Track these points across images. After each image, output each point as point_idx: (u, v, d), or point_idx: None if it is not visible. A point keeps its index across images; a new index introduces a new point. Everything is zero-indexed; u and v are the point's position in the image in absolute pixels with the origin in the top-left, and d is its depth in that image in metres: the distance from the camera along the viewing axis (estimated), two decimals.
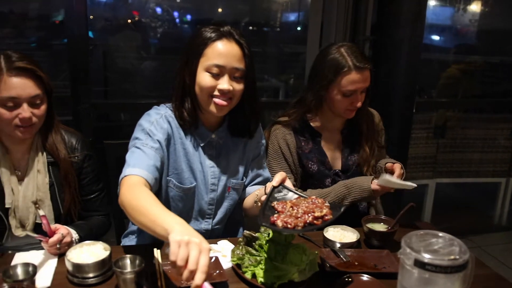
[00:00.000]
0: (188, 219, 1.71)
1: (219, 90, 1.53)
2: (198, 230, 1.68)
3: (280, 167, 1.95)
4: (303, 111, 1.97)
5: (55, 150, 1.65)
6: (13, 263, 1.41)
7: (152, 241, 1.68)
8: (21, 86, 1.49)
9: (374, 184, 1.79)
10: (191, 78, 1.57)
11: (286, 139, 1.94)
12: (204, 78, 1.53)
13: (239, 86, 1.56)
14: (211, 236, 1.75)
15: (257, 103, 1.69)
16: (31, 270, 1.28)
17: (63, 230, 1.49)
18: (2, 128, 1.56)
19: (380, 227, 1.69)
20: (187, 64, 1.57)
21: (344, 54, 1.83)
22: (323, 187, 1.98)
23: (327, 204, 1.35)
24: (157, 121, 1.58)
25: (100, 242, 1.45)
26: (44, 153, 1.66)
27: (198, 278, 1.02)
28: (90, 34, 3.42)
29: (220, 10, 4.61)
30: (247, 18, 4.59)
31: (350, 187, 1.84)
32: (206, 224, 1.74)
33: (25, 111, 1.50)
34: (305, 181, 2.01)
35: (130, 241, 1.82)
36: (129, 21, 4.30)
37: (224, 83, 1.52)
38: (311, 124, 2.01)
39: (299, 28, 4.94)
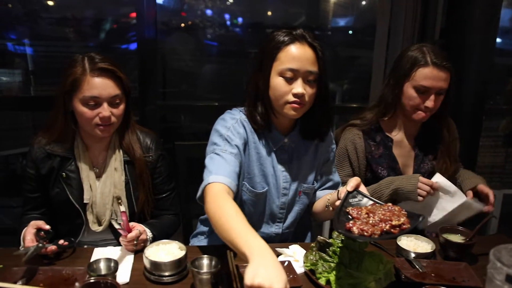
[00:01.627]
0: (259, 223, 1.72)
1: (294, 95, 1.51)
2: (268, 234, 1.71)
3: (343, 171, 1.92)
4: (380, 112, 1.93)
5: (131, 149, 1.70)
6: (92, 258, 1.46)
7: (224, 242, 1.69)
8: (102, 86, 1.55)
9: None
10: (264, 83, 1.56)
11: (355, 142, 1.91)
12: (278, 83, 1.52)
13: (312, 90, 1.54)
14: (280, 240, 1.75)
15: (330, 106, 1.66)
16: (113, 266, 1.32)
17: (139, 228, 1.53)
18: (83, 126, 1.63)
19: (456, 238, 1.62)
20: (261, 69, 1.57)
21: (424, 51, 1.81)
22: None
23: (404, 212, 1.31)
24: (233, 126, 1.59)
25: (176, 241, 1.47)
26: (121, 152, 1.71)
27: None
28: None
29: (269, 13, 4.60)
30: (298, 22, 4.56)
31: (396, 178, 1.82)
32: (276, 228, 1.73)
33: (105, 110, 1.56)
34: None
35: (199, 241, 1.84)
36: (182, 24, 4.38)
37: (298, 87, 1.51)
38: (384, 128, 1.96)
39: (350, 32, 4.86)
